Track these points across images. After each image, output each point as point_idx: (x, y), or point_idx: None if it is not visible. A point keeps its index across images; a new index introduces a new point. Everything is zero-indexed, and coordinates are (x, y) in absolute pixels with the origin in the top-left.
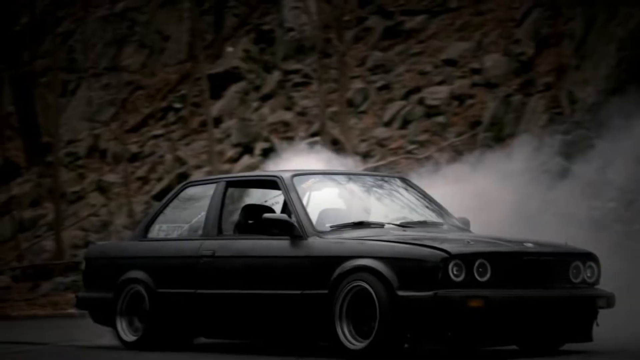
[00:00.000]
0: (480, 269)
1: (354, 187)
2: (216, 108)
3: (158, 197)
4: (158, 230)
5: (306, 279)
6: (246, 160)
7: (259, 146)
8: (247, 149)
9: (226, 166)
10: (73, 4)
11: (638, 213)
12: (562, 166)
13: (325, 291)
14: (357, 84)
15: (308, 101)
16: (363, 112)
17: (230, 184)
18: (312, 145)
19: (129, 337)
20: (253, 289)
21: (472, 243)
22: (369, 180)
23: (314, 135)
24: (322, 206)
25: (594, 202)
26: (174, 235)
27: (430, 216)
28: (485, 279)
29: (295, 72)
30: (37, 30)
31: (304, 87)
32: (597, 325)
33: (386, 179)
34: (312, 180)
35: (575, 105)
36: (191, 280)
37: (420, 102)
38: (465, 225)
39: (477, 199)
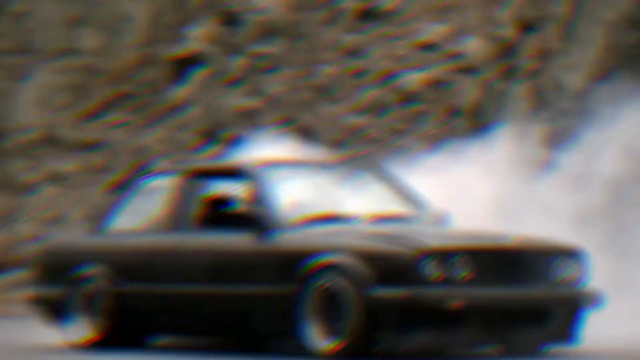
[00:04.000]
0: (459, 266)
1: (324, 178)
2: (178, 94)
3: (117, 188)
4: (116, 223)
5: (272, 276)
6: (210, 149)
7: (224, 134)
8: (211, 138)
9: (189, 155)
10: None
11: (627, 207)
12: (546, 157)
13: (293, 289)
14: (329, 69)
15: (276, 87)
16: (335, 98)
17: (193, 174)
18: (280, 133)
19: (84, 337)
20: (215, 286)
21: (449, 238)
22: (341, 170)
23: (282, 123)
24: (290, 198)
25: (581, 195)
26: (133, 228)
27: (405, 209)
28: (463, 276)
29: (263, 56)
30: None
31: (272, 72)
32: (584, 325)
33: (359, 169)
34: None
35: (560, 93)
36: (150, 277)
37: (396, 88)
38: (443, 219)
39: (456, 191)
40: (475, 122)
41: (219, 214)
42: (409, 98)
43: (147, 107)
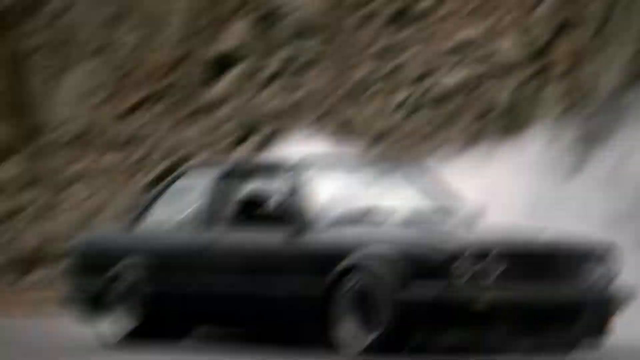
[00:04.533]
0: (490, 265)
1: (358, 177)
2: (215, 91)
3: (153, 184)
4: (152, 219)
5: (303, 275)
6: (246, 146)
7: (260, 132)
8: (248, 135)
9: (225, 152)
10: None
11: None
12: (580, 158)
13: (324, 288)
14: (363, 69)
15: (312, 85)
16: (369, 98)
17: (229, 171)
18: (316, 131)
19: (119, 334)
20: (249, 284)
21: (480, 237)
22: (374, 170)
23: (317, 122)
24: (324, 197)
25: (614, 196)
26: (169, 225)
27: (438, 208)
28: (496, 275)
29: (299, 54)
30: (27, 7)
31: (308, 71)
32: (616, 325)
33: (392, 168)
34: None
35: (594, 93)
36: (186, 275)
37: (429, 89)
38: (475, 218)
39: (489, 192)
40: (508, 124)
41: (254, 212)
42: (441, 99)
43: (184, 105)
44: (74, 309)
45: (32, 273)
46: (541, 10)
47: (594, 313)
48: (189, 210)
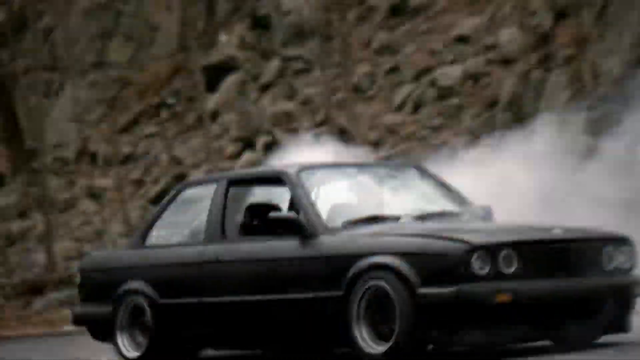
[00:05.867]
0: (506, 260)
1: (365, 179)
2: (212, 101)
3: (155, 200)
4: (157, 236)
5: (319, 281)
6: (247, 156)
7: (261, 140)
8: (248, 144)
9: (226, 164)
10: None
11: None
12: (589, 145)
13: (340, 293)
14: (363, 68)
15: (311, 89)
16: (371, 97)
17: (232, 182)
18: (317, 136)
19: (131, 353)
20: (262, 294)
21: (495, 232)
22: (381, 170)
23: (319, 125)
24: (332, 201)
25: (626, 182)
26: (174, 241)
27: (448, 206)
28: (512, 270)
29: (296, 58)
30: (15, 27)
31: (306, 74)
32: (637, 313)
33: (399, 168)
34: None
35: (599, 79)
36: (195, 289)
37: (432, 83)
38: (486, 214)
39: (498, 185)
40: (514, 113)
41: (261, 222)
42: (445, 93)
43: (181, 117)
44: (86, 331)
45: (44, 294)
46: None
47: (613, 305)
48: (194, 224)
